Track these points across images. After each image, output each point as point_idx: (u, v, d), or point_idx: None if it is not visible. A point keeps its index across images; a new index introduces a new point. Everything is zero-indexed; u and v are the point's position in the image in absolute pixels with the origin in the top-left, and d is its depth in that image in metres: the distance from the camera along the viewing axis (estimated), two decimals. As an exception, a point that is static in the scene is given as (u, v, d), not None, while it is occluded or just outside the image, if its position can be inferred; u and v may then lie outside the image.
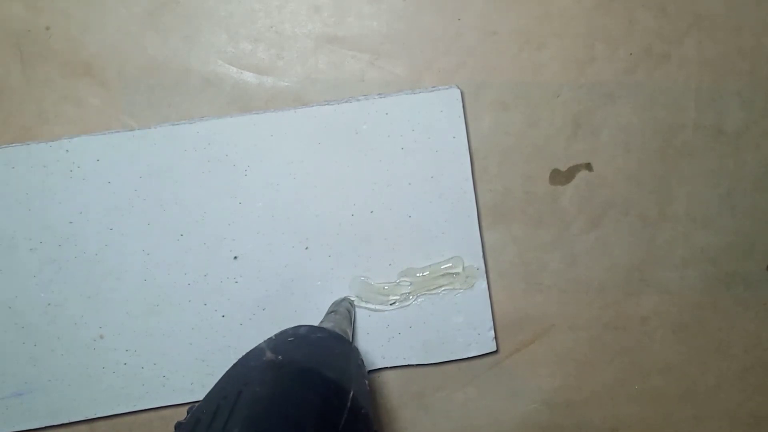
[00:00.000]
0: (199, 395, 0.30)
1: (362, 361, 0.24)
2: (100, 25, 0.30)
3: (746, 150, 0.32)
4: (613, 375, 0.33)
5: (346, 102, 0.30)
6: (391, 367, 0.31)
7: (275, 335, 0.24)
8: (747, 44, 0.31)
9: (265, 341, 0.23)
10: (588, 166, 0.32)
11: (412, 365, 0.31)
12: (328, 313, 0.29)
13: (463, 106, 0.30)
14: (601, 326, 0.32)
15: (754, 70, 0.31)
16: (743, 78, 0.31)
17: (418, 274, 0.30)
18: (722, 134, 0.32)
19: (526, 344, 0.32)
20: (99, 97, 0.30)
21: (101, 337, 0.30)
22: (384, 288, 0.30)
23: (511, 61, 0.31)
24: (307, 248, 0.30)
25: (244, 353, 0.30)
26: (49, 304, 0.29)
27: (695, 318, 0.33)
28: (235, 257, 0.30)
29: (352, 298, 0.30)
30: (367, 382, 0.23)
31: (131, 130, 0.29)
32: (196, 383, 0.30)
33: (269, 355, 0.21)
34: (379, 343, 0.31)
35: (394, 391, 0.32)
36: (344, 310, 0.28)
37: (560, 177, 0.32)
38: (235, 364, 0.22)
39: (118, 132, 0.29)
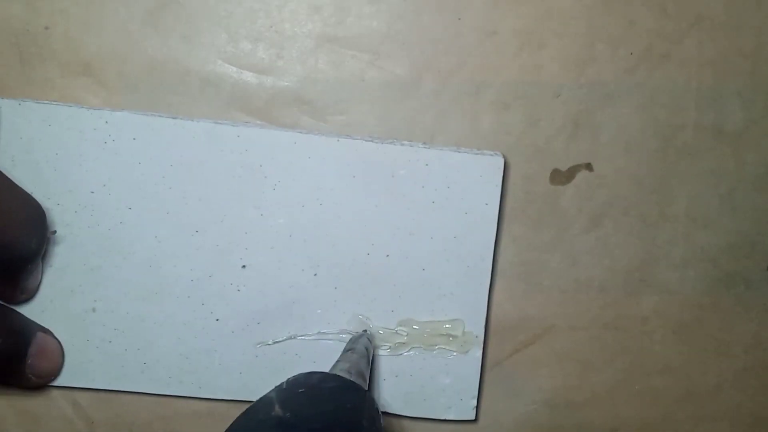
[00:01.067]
0: (175, 389, 0.30)
1: (377, 410, 0.23)
2: (99, 25, 0.30)
3: (746, 150, 0.32)
4: (613, 375, 0.33)
5: (390, 143, 0.30)
6: None
7: (286, 383, 0.23)
8: (747, 44, 0.31)
9: (275, 389, 0.23)
10: (588, 166, 0.32)
11: (389, 413, 0.31)
12: (345, 351, 0.28)
13: (504, 175, 0.30)
14: (601, 326, 0.32)
15: (755, 70, 0.31)
16: (743, 78, 0.31)
17: (415, 327, 0.30)
18: (722, 134, 0.32)
19: (526, 344, 0.32)
20: (99, 97, 0.30)
21: (93, 310, 0.30)
22: (380, 332, 0.30)
23: (511, 61, 0.31)
24: (315, 275, 0.30)
25: (229, 359, 0.30)
26: (50, 266, 0.29)
27: (695, 318, 0.33)
28: (244, 266, 0.30)
29: (370, 333, 0.30)
30: None
31: (174, 118, 0.29)
32: (174, 378, 0.30)
33: (278, 410, 0.21)
34: None
35: (394, 391, 0.32)
36: (362, 348, 0.28)
37: (560, 177, 0.32)
38: (244, 415, 0.22)
39: (161, 116, 0.29)
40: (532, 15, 0.31)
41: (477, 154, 0.30)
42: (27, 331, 0.28)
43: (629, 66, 0.31)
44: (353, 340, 0.29)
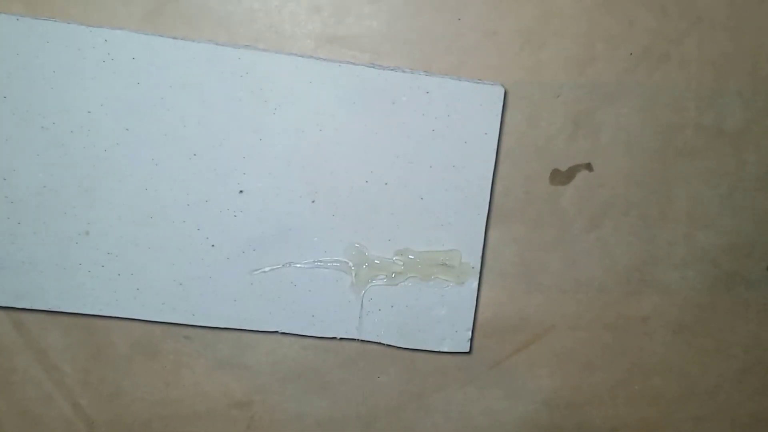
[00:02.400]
0: (168, 316, 0.30)
1: None
2: (99, 25, 0.30)
3: (746, 150, 0.32)
4: (613, 375, 0.33)
5: (392, 70, 0.30)
6: (362, 341, 0.31)
7: None
8: (747, 44, 0.31)
9: None
10: (588, 166, 0.32)
11: (383, 344, 0.31)
12: None
13: (504, 106, 0.30)
14: (601, 326, 0.32)
15: (754, 70, 0.31)
16: (743, 78, 0.31)
17: (412, 256, 0.30)
18: (722, 134, 0.32)
19: (526, 344, 0.32)
20: (99, 97, 0.30)
21: (87, 233, 0.29)
22: (375, 262, 0.30)
23: (511, 61, 0.31)
24: (313, 201, 0.30)
25: (223, 286, 0.29)
26: (44, 187, 0.29)
27: (695, 318, 0.33)
28: (241, 191, 0.30)
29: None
30: None
31: (174, 38, 0.29)
32: (168, 304, 0.30)
33: None
34: (357, 315, 0.30)
35: (394, 391, 0.32)
36: None
37: (560, 177, 0.32)
38: None
39: (161, 36, 0.29)
40: (532, 15, 0.31)
41: (477, 83, 0.30)
42: None
43: (629, 66, 0.31)
44: None
